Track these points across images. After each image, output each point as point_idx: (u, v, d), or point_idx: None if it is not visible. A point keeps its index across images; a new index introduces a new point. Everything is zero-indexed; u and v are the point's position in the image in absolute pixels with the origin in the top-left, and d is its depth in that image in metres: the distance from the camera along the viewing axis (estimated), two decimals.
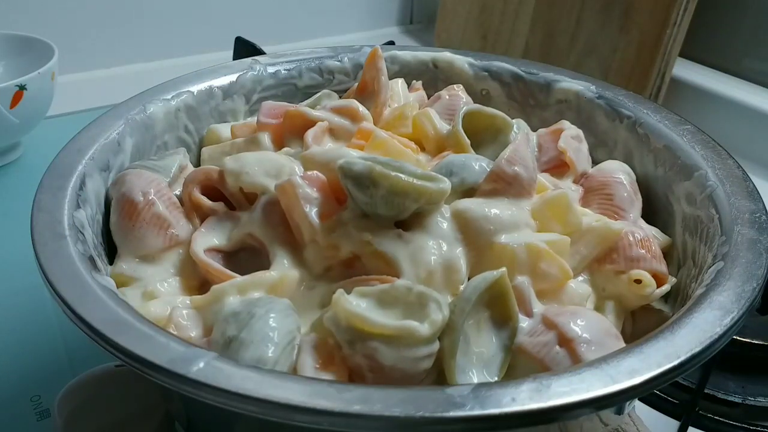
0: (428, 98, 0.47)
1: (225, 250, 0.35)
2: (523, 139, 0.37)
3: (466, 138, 0.39)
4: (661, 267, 0.35)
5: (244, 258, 0.35)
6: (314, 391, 0.23)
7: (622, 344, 0.29)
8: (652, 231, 0.38)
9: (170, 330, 0.30)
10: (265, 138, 0.40)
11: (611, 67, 0.76)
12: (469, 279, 0.32)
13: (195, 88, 0.44)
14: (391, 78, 0.46)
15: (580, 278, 0.35)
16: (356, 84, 0.46)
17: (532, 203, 0.35)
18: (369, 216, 0.32)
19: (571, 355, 0.28)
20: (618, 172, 0.40)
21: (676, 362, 0.25)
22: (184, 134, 0.44)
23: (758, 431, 0.39)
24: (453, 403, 0.23)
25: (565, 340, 0.28)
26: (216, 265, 0.33)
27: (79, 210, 0.33)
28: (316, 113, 0.41)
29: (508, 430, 0.24)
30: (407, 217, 0.33)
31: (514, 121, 0.42)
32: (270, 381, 0.24)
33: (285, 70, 0.49)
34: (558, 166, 0.41)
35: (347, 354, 0.28)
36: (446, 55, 0.50)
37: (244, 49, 0.74)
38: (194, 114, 0.44)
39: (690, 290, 0.32)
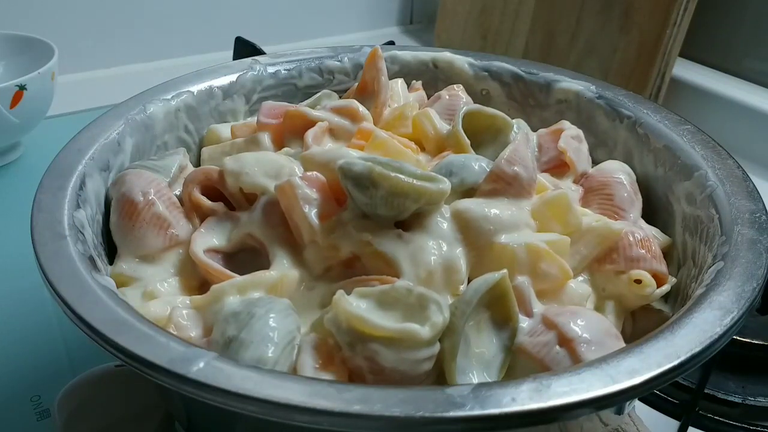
0: (428, 98, 0.47)
1: (225, 250, 0.35)
2: (522, 139, 0.37)
3: (465, 138, 0.39)
4: (661, 267, 0.35)
5: (244, 258, 0.35)
6: (314, 391, 0.23)
7: (622, 344, 0.29)
8: (652, 231, 0.38)
9: (170, 330, 0.30)
10: (265, 138, 0.40)
11: (611, 67, 0.77)
12: (469, 279, 0.32)
13: (195, 88, 0.44)
14: (391, 78, 0.46)
15: (580, 278, 0.35)
16: (356, 84, 0.46)
17: (532, 203, 0.35)
18: (369, 216, 0.32)
19: (571, 355, 0.28)
20: (618, 172, 0.40)
21: (676, 362, 0.25)
22: (184, 134, 0.44)
23: (758, 431, 0.39)
24: (453, 403, 0.23)
25: (565, 340, 0.29)
26: (215, 265, 0.33)
27: (79, 210, 0.33)
28: (316, 113, 0.41)
29: (508, 430, 0.24)
30: (407, 217, 0.33)
31: (514, 121, 0.42)
32: (270, 381, 0.24)
33: (285, 70, 0.49)
34: (558, 166, 0.41)
35: (348, 356, 0.28)
36: (446, 55, 0.50)
37: (244, 49, 0.74)
38: (194, 114, 0.44)
39: (690, 290, 0.32)
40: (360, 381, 0.28)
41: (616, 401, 0.24)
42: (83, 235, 0.32)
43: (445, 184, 0.32)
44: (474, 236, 0.33)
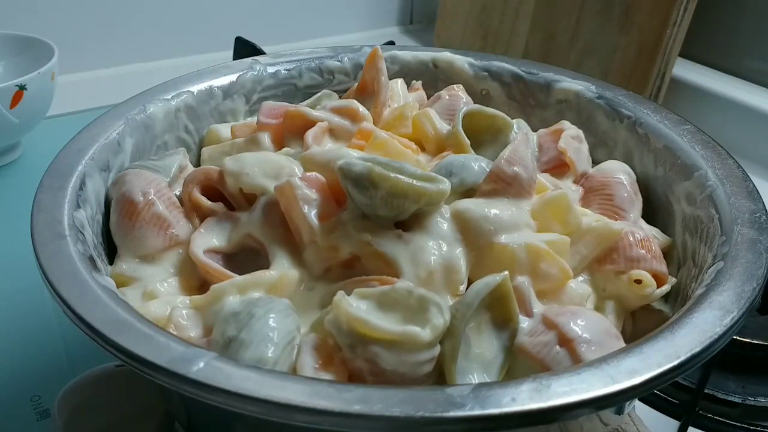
0: (428, 98, 0.47)
1: (224, 250, 0.35)
2: (522, 139, 0.37)
3: (465, 138, 0.39)
4: (661, 267, 0.35)
5: (244, 259, 0.35)
6: (314, 391, 0.23)
7: (622, 344, 0.29)
8: (653, 231, 0.38)
9: (170, 330, 0.30)
10: (265, 138, 0.40)
11: (611, 67, 0.77)
12: (469, 279, 0.32)
13: (195, 88, 0.44)
14: (391, 78, 0.46)
15: (580, 278, 0.35)
16: (356, 84, 0.46)
17: (532, 203, 0.35)
18: (369, 217, 0.33)
19: (571, 355, 0.28)
20: (618, 172, 0.40)
21: (676, 362, 0.25)
22: (184, 134, 0.44)
23: (758, 431, 0.39)
24: (453, 403, 0.23)
25: (566, 340, 0.29)
26: (215, 265, 0.33)
27: (79, 210, 0.33)
28: (316, 113, 0.41)
29: (508, 430, 0.24)
30: (407, 217, 0.33)
31: (514, 121, 0.42)
32: (270, 381, 0.24)
33: (285, 70, 0.49)
34: (558, 167, 0.41)
35: (348, 357, 0.28)
36: (446, 55, 0.50)
37: (244, 49, 0.74)
38: (194, 114, 0.44)
39: (690, 290, 0.33)
40: (360, 382, 0.28)
41: (616, 401, 0.24)
42: (83, 235, 0.32)
43: (445, 185, 0.32)
44: (474, 236, 0.33)
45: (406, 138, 0.41)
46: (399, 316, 0.29)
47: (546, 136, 0.43)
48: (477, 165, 0.36)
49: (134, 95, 0.42)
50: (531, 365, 0.29)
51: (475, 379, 0.29)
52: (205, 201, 0.36)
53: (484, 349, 0.30)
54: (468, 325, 0.29)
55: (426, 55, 0.51)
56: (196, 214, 0.36)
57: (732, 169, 0.36)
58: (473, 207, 0.33)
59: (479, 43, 0.90)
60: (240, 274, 0.32)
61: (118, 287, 0.31)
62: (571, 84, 0.47)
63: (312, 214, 0.33)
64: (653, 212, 0.40)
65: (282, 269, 0.33)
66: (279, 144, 0.40)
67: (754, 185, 0.35)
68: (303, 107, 0.41)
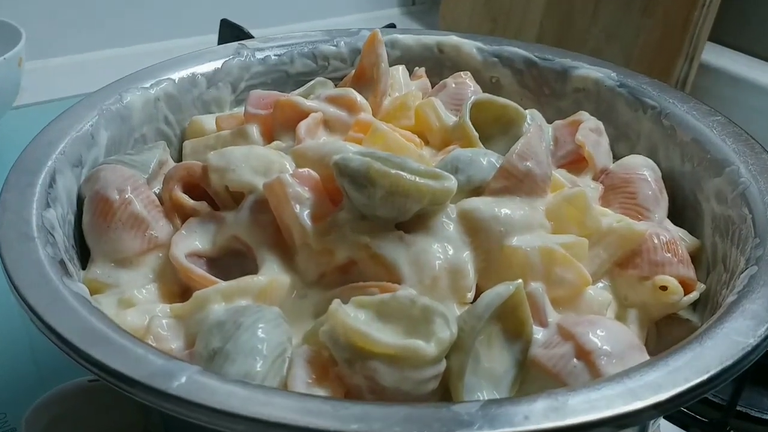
0: (432, 87, 0.47)
1: (208, 254, 0.35)
2: (536, 132, 0.37)
3: (474, 130, 0.39)
4: (689, 272, 0.35)
5: (230, 263, 0.35)
6: (307, 409, 0.23)
7: (646, 357, 0.29)
8: (679, 233, 0.38)
9: (149, 341, 0.30)
10: (254, 130, 0.40)
11: (633, 53, 0.77)
12: (477, 285, 0.32)
13: (176, 76, 0.45)
14: (391, 64, 0.46)
15: (600, 285, 0.35)
16: (353, 71, 0.46)
17: (547, 202, 0.36)
18: (367, 217, 0.33)
19: (590, 369, 0.28)
20: (642, 168, 0.40)
21: (705, 377, 0.25)
22: (164, 126, 0.44)
23: None
24: (460, 422, 0.23)
25: (584, 353, 0.29)
26: (198, 270, 0.33)
27: (49, 209, 0.33)
28: (309, 103, 0.41)
29: None
30: (409, 218, 0.33)
31: (527, 111, 0.42)
32: (258, 397, 0.24)
33: (275, 55, 0.49)
34: (575, 162, 0.42)
35: (344, 373, 0.28)
36: (452, 39, 0.50)
37: (230, 32, 0.74)
38: (175, 104, 0.44)
39: (720, 297, 0.33)
40: (358, 399, 0.28)
41: (639, 420, 0.24)
42: (53, 237, 0.32)
43: (451, 182, 0.32)
44: (483, 239, 0.33)
45: (408, 130, 0.41)
46: (401, 327, 0.29)
47: (562, 129, 0.43)
48: (486, 160, 0.36)
49: (110, 83, 0.42)
50: (546, 380, 0.29)
51: (485, 396, 0.29)
52: (187, 200, 0.36)
53: (494, 363, 0.30)
54: (477, 337, 0.29)
55: (430, 39, 0.51)
56: (178, 214, 0.36)
57: (767, 165, 0.36)
58: (482, 206, 0.33)
59: (488, 25, 0.90)
60: (225, 279, 0.32)
61: (91, 294, 0.31)
62: (589, 71, 0.47)
63: (304, 214, 0.33)
64: (680, 212, 0.40)
65: (272, 275, 0.33)
66: (268, 137, 0.41)
67: None
68: (295, 96, 0.42)
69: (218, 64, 0.46)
